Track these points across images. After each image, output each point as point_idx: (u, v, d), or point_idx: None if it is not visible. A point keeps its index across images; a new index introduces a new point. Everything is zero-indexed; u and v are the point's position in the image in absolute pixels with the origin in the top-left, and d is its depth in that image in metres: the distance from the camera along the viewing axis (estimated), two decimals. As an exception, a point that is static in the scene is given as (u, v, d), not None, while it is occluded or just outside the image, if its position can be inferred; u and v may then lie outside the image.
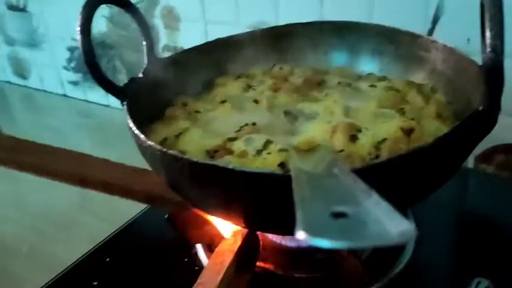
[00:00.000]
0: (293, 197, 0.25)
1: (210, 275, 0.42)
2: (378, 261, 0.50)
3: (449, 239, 0.58)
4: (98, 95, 1.20)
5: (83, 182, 0.62)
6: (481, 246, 0.54)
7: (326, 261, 0.50)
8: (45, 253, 0.72)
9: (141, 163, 0.45)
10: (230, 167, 0.35)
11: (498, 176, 0.72)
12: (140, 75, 0.54)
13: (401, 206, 0.41)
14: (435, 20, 0.69)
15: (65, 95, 1.28)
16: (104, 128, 1.15)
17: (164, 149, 0.38)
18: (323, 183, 0.29)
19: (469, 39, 0.64)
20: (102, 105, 1.21)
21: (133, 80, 0.52)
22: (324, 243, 0.18)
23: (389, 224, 0.20)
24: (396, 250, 0.52)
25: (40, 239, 0.75)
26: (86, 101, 1.24)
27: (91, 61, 0.47)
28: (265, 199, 0.36)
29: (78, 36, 0.46)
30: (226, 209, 0.41)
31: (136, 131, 0.41)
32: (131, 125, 0.42)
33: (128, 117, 0.44)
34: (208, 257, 0.53)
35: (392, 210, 0.21)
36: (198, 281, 0.42)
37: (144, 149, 0.41)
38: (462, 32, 0.64)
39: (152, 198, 0.59)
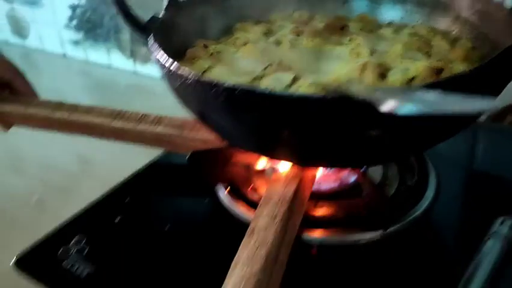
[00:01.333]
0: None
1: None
2: (401, 202, 0.50)
3: (468, 189, 0.58)
4: (99, 54, 1.18)
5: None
6: (500, 193, 0.54)
7: (350, 200, 0.50)
8: (54, 204, 0.71)
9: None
10: (271, 91, 0.34)
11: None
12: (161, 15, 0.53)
13: (445, 134, 0.41)
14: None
15: (64, 55, 1.26)
16: (105, 89, 1.13)
17: (198, 75, 0.37)
18: (389, 91, 0.28)
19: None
20: (103, 65, 1.19)
21: (154, 18, 0.51)
22: (412, 108, 0.18)
23: (467, 100, 0.20)
24: (416, 195, 0.52)
25: (47, 190, 0.75)
26: (86, 61, 1.22)
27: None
28: (310, 126, 0.36)
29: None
30: (261, 139, 0.40)
31: (169, 60, 0.40)
32: (161, 53, 0.42)
33: (156, 47, 0.43)
34: (230, 196, 0.52)
35: (467, 96, 0.21)
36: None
37: (174, 79, 0.40)
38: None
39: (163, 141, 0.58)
